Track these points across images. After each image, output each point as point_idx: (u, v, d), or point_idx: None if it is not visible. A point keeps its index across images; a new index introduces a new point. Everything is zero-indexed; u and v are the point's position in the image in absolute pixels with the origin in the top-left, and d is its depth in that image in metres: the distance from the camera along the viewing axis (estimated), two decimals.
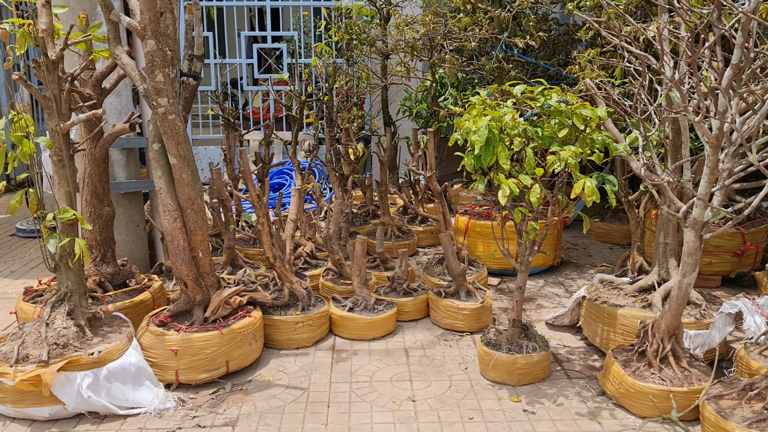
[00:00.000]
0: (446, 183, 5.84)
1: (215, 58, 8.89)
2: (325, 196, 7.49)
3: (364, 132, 8.25)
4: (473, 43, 5.72)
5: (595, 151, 3.47)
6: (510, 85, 3.69)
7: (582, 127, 3.32)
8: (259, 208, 4.11)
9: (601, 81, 4.59)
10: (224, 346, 3.67)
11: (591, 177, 3.23)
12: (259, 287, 4.10)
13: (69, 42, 3.50)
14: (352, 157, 6.97)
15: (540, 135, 3.41)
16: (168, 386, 3.61)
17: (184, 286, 3.78)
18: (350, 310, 4.34)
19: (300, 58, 9.16)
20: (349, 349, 4.18)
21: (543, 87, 3.45)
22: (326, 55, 7.06)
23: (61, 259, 3.53)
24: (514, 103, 3.60)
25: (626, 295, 4.09)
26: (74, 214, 3.44)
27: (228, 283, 3.99)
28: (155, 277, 4.63)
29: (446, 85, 6.60)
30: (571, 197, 3.26)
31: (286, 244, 4.66)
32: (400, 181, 7.97)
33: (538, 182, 3.35)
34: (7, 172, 3.36)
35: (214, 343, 3.64)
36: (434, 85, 6.43)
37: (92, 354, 3.32)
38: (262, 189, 5.80)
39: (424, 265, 5.28)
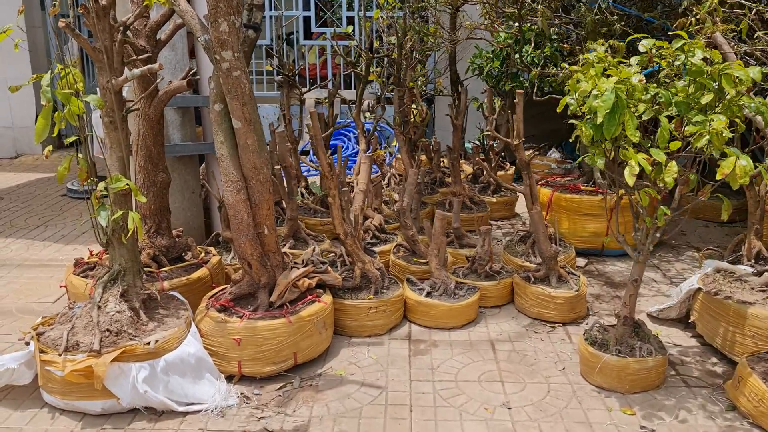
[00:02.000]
0: (533, 151, 5.25)
1: (270, 9, 8.36)
2: (386, 160, 6.99)
3: (427, 91, 7.67)
4: None
5: (736, 121, 2.87)
6: (632, 41, 3.09)
7: (732, 92, 2.72)
8: (330, 179, 3.64)
9: (726, 36, 3.93)
10: (292, 336, 3.26)
11: (743, 154, 2.64)
12: (329, 268, 3.66)
13: None
14: (417, 119, 6.45)
15: (674, 101, 2.82)
16: (230, 378, 3.23)
17: (248, 267, 3.36)
18: (428, 294, 3.88)
19: (359, 9, 8.56)
20: (428, 339, 3.72)
21: (683, 42, 2.84)
22: (389, 7, 6.46)
23: (113, 234, 3.13)
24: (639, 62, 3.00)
25: (753, 289, 3.50)
26: (128, 184, 3.03)
27: (295, 264, 3.56)
28: (212, 250, 4.24)
29: (530, 41, 5.95)
30: (717, 177, 2.68)
31: (357, 219, 4.19)
32: (467, 146, 7.41)
33: (673, 158, 2.78)
34: (53, 135, 2.95)
35: (282, 333, 3.23)
36: (518, 40, 5.80)
37: (148, 343, 2.94)
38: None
39: (505, 243, 4.75)
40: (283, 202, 4.57)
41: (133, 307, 3.13)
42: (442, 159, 6.45)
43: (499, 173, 6.79)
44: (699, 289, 3.67)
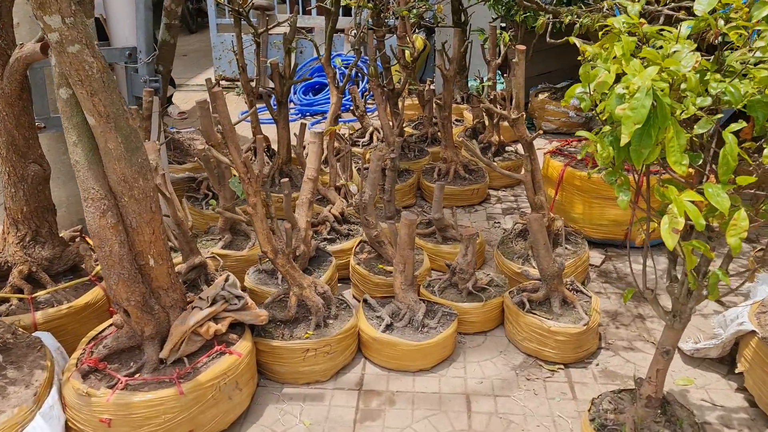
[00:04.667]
0: (549, 94, 4.15)
1: None
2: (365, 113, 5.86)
3: (426, 21, 6.44)
4: None
5: None
6: None
7: None
8: (249, 183, 2.64)
9: None
10: (186, 410, 2.38)
11: None
12: (251, 302, 2.72)
13: None
14: (408, 58, 5.30)
15: (749, 101, 1.75)
16: None
17: (125, 315, 2.44)
18: (388, 327, 2.95)
19: None
20: (384, 391, 2.83)
21: None
22: None
23: None
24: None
25: None
26: None
27: (200, 300, 2.62)
28: None
29: None
30: None
31: (299, 220, 3.22)
32: (472, 84, 6.24)
33: (741, 203, 1.74)
34: None
35: (171, 407, 2.35)
36: None
37: None
38: (281, 115, 4.30)
39: (500, 239, 3.74)
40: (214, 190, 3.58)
41: None
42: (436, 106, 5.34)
43: (505, 124, 5.68)
44: (753, 331, 2.69)
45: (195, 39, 11.66)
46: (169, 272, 2.51)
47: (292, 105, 7.12)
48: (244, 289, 3.23)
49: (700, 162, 1.90)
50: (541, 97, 6.21)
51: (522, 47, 3.13)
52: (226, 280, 2.66)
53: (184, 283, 3.13)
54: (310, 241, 3.32)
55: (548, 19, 4.00)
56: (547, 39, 4.10)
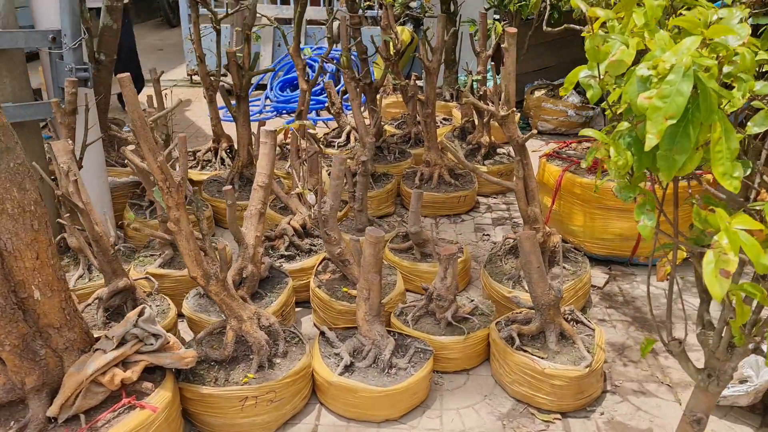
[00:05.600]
0: (545, 91, 3.63)
1: None
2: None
3: (412, 11, 5.93)
4: None
5: None
6: None
7: None
8: (169, 193, 2.11)
9: None
10: None
11: None
12: (174, 341, 2.18)
13: None
14: (391, 50, 4.79)
15: None
16: None
17: (0, 363, 1.91)
18: (348, 368, 2.42)
19: None
20: None
21: None
22: None
23: None
24: None
25: None
26: None
27: (107, 338, 2.09)
28: None
29: None
30: None
31: (246, 235, 2.69)
32: (462, 79, 5.73)
33: None
34: None
35: None
36: None
37: None
38: (240, 111, 3.79)
39: (488, 256, 3.21)
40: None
41: None
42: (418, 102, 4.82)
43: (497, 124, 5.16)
44: None
45: (175, 33, 11.10)
46: (62, 306, 1.98)
47: (268, 102, 6.58)
48: (180, 316, 2.71)
49: (749, 172, 1.38)
50: (537, 94, 5.69)
51: (513, 29, 2.61)
52: (141, 314, 2.13)
53: (106, 311, 2.61)
54: (260, 259, 2.79)
55: (544, 1, 3.49)
56: (544, 27, 3.60)
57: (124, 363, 2.08)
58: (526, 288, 2.90)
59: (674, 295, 3.16)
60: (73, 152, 2.58)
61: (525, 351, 2.48)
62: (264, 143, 2.77)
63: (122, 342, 2.08)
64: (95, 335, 2.17)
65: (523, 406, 2.50)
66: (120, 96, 5.84)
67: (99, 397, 2.02)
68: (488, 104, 4.67)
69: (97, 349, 2.04)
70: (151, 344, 2.12)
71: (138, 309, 2.14)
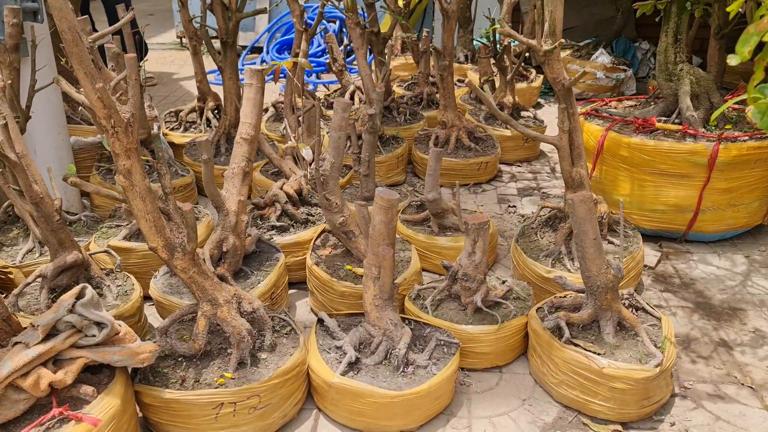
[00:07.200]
0: (572, 51, 3.11)
1: None
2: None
3: None
4: None
5: None
6: None
7: None
8: (115, 135, 1.58)
9: None
10: None
11: None
12: (126, 330, 1.67)
13: None
14: (400, 2, 4.27)
15: None
16: None
17: None
18: (353, 365, 1.91)
19: None
20: None
21: None
22: None
23: None
24: None
25: None
26: None
27: (32, 327, 1.58)
28: None
29: None
30: None
31: (228, 200, 2.17)
32: (476, 45, 5.20)
33: None
34: None
35: None
36: None
37: None
38: (227, 61, 3.27)
39: (520, 229, 2.68)
40: None
41: None
42: (432, 66, 4.27)
43: (520, 86, 4.62)
44: None
45: None
46: None
47: (264, 65, 6.02)
48: (147, 298, 2.19)
49: None
50: (562, 55, 5.12)
51: None
52: (79, 296, 1.61)
53: (52, 292, 2.10)
54: (244, 230, 2.27)
55: None
56: None
57: (55, 361, 1.56)
58: (568, 267, 2.39)
59: (742, 277, 2.65)
60: (14, 97, 2.04)
61: (576, 345, 1.96)
62: (249, 85, 2.23)
63: (53, 333, 1.57)
64: (24, 325, 1.66)
65: (572, 413, 1.99)
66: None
67: (20, 406, 1.51)
68: (514, 52, 4.14)
69: (17, 343, 1.53)
70: (93, 335, 1.60)
71: (75, 289, 1.62)
